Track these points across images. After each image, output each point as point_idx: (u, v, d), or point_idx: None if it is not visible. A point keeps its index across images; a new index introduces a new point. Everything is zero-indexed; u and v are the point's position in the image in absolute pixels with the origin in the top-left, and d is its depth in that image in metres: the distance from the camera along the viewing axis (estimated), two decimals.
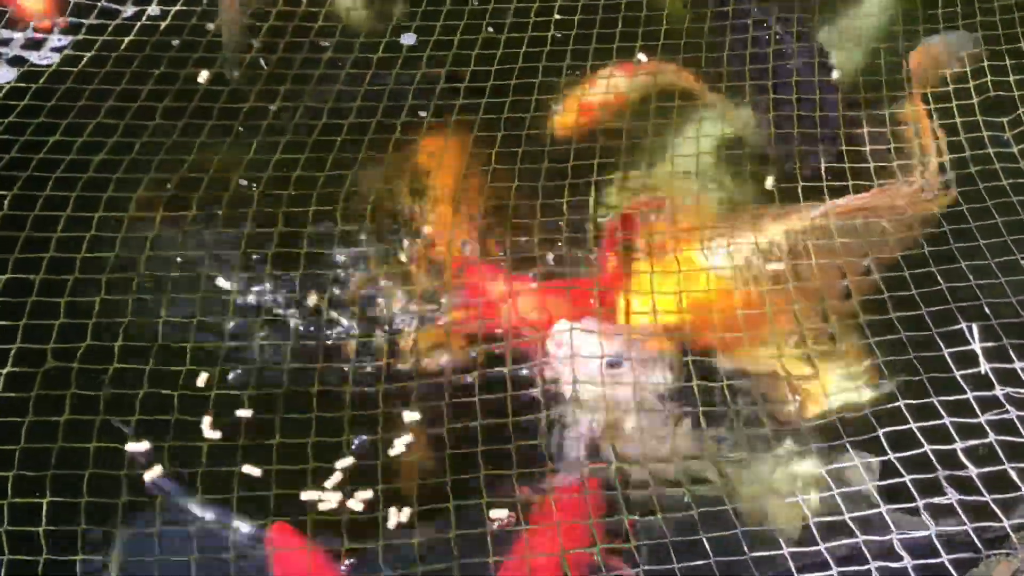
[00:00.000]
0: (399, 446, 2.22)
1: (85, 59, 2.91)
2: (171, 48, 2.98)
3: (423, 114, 2.86)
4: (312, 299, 2.46)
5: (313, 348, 2.36)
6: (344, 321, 2.43)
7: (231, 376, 2.32)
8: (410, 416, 2.24)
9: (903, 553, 1.94)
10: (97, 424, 2.15)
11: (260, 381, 2.30)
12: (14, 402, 2.18)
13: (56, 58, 2.95)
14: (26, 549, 2.00)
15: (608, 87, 2.93)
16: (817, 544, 1.98)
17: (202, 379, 2.28)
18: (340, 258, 2.53)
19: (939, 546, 1.95)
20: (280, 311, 2.46)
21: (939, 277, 2.42)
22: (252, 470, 2.13)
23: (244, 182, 2.66)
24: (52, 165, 2.63)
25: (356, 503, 2.13)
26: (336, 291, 2.48)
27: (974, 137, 2.76)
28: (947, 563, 1.93)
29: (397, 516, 2.11)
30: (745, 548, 1.96)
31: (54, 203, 2.54)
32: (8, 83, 2.86)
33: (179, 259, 2.50)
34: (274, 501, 2.09)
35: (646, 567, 1.96)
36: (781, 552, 1.96)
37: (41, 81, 2.86)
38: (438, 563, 2.00)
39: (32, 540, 2.01)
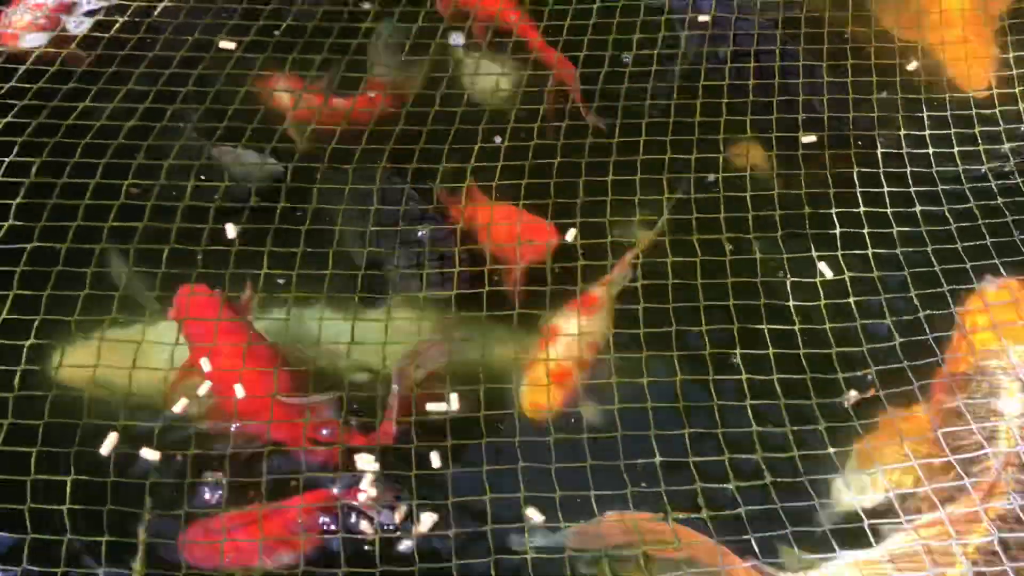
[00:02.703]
0: None
1: (118, 24, 2.84)
2: (205, 15, 2.90)
3: None
4: None
5: None
6: None
7: None
8: None
9: None
10: None
11: None
12: None
13: (88, 23, 2.88)
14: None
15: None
16: None
17: None
18: None
19: None
20: None
21: None
22: None
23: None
24: (81, 131, 2.55)
25: None
26: None
27: None
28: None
29: None
30: None
31: (82, 170, 2.46)
32: (39, 47, 2.79)
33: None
34: None
35: None
36: None
37: (72, 46, 2.80)
38: None
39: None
